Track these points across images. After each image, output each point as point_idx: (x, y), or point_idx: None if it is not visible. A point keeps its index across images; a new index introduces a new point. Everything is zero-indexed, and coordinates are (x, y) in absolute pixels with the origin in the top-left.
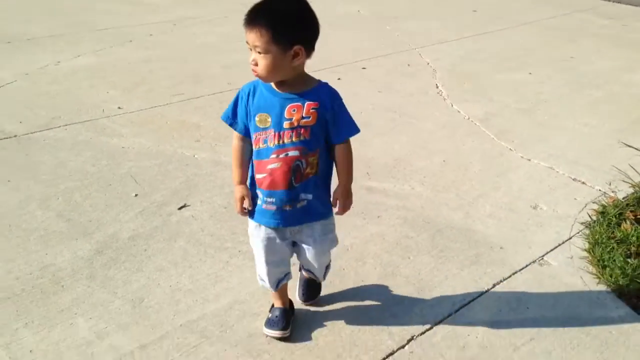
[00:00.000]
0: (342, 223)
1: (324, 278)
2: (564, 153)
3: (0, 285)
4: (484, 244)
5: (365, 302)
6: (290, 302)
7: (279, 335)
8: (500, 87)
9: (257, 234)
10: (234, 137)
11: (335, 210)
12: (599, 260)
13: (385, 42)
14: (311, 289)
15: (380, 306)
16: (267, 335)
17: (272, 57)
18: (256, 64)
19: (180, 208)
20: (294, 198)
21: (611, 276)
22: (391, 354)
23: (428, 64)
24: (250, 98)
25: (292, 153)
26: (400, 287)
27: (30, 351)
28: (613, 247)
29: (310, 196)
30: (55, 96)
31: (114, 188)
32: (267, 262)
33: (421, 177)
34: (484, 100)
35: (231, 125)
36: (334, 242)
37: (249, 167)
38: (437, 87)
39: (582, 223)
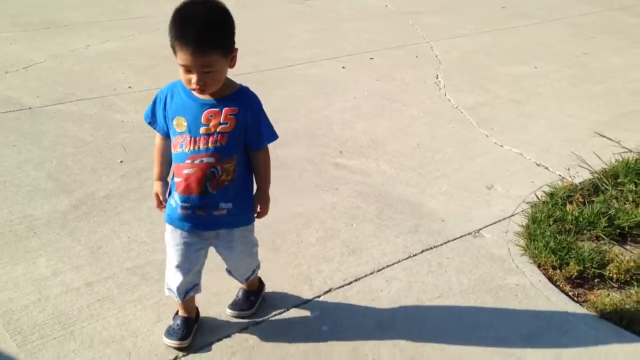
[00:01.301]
0: (299, 192)
1: (247, 281)
2: (538, 141)
3: None
4: (428, 216)
5: (299, 259)
6: (197, 312)
7: (177, 345)
8: (500, 80)
9: (172, 238)
10: (157, 136)
11: (255, 215)
12: (529, 235)
13: (401, 35)
14: (239, 303)
15: (311, 262)
16: (166, 345)
17: (221, 71)
18: (204, 83)
19: None
20: (210, 205)
21: (536, 249)
22: (306, 302)
23: (436, 56)
24: (169, 101)
25: (207, 159)
26: (334, 249)
27: None
28: (548, 224)
29: (230, 205)
30: (76, 76)
31: (103, 155)
32: (179, 268)
33: (390, 158)
34: (478, 90)
35: (150, 124)
36: (255, 245)
37: (169, 165)
38: (437, 78)
39: (528, 202)
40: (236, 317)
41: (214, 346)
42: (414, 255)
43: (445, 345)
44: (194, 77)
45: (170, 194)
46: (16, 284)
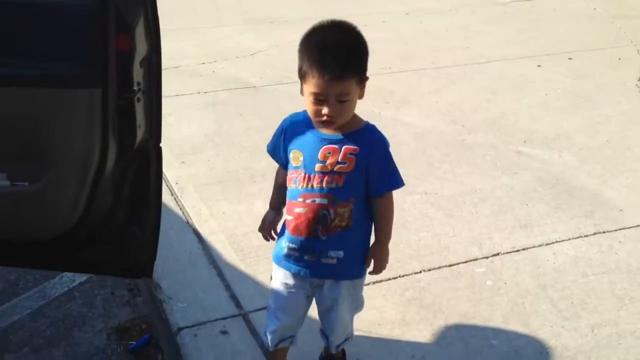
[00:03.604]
0: (480, 171)
1: (336, 349)
2: None
3: (217, 176)
4: (605, 204)
5: (472, 226)
6: None
7: None
8: None
9: (275, 278)
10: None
11: (369, 269)
12: None
13: (606, 37)
14: None
15: (482, 230)
16: None
17: (353, 101)
18: (336, 114)
19: None
20: (319, 250)
21: None
22: (474, 259)
23: None
24: (289, 132)
25: (320, 200)
26: (506, 222)
27: (223, 213)
28: None
29: (341, 254)
30: (291, 63)
31: None
32: (277, 312)
33: (575, 150)
34: None
35: (271, 155)
36: (359, 306)
37: (284, 194)
38: (639, 81)
39: None
40: None
41: None
42: (585, 236)
43: (605, 313)
44: (325, 109)
45: (282, 233)
46: (240, 217)
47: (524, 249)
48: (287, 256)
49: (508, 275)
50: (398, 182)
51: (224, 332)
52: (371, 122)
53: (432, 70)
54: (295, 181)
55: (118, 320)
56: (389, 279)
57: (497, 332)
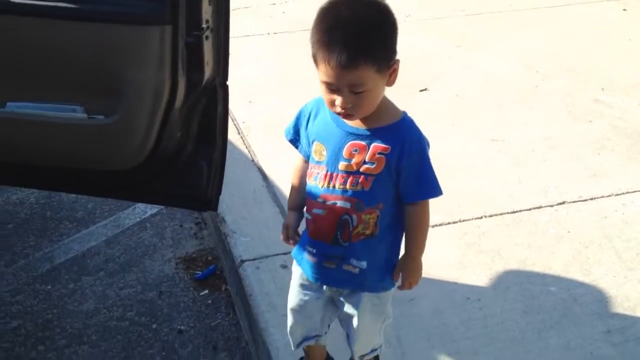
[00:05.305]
0: (551, 119)
1: (360, 359)
2: None
3: (284, 116)
4: None
5: (538, 174)
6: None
7: None
8: None
9: (294, 272)
10: (297, 155)
11: (397, 284)
12: None
13: None
14: None
15: (549, 178)
16: None
17: (375, 91)
18: (352, 106)
19: (421, 90)
20: (340, 256)
21: None
22: (539, 207)
23: None
24: (312, 119)
25: (342, 204)
26: (575, 171)
27: (285, 153)
28: None
29: (364, 264)
30: None
31: None
32: (293, 312)
33: None
34: None
35: (292, 143)
36: (387, 318)
37: (304, 195)
38: None
39: None
40: None
41: None
42: None
43: None
44: (338, 99)
45: (305, 232)
46: None
47: (591, 199)
48: (306, 259)
49: (572, 224)
50: (435, 191)
51: (284, 267)
52: (441, 66)
53: (510, 13)
54: (316, 178)
55: (185, 250)
56: (449, 223)
57: (557, 280)
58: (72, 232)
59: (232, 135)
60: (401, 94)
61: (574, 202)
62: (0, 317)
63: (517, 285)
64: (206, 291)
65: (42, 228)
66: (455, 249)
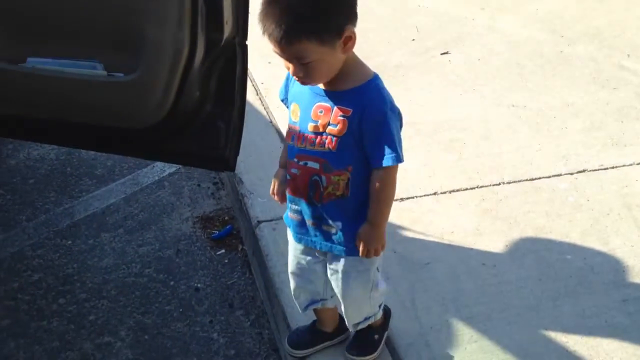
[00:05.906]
0: (575, 85)
1: (355, 327)
2: None
3: None
4: None
5: (559, 141)
6: (339, 327)
7: (292, 353)
8: None
9: (289, 237)
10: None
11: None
12: None
13: None
14: (359, 341)
15: (570, 146)
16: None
17: (324, 61)
18: (304, 75)
19: (442, 54)
20: (317, 216)
21: None
22: (558, 175)
23: None
24: (293, 80)
25: (312, 164)
26: (597, 139)
27: None
28: None
29: (339, 224)
30: None
31: (399, 32)
32: (293, 275)
33: None
34: None
35: (283, 102)
36: (375, 287)
37: None
38: None
39: None
40: None
41: None
42: None
43: None
44: (291, 68)
45: None
46: None
47: (612, 167)
48: (291, 219)
49: (592, 192)
50: (391, 157)
51: None
52: (464, 29)
53: None
54: (292, 138)
55: (203, 210)
56: (466, 189)
57: (573, 248)
58: (92, 188)
59: (250, 96)
60: (423, 57)
61: (595, 170)
62: (22, 270)
63: (533, 252)
64: (223, 250)
65: (62, 184)
66: (472, 215)
